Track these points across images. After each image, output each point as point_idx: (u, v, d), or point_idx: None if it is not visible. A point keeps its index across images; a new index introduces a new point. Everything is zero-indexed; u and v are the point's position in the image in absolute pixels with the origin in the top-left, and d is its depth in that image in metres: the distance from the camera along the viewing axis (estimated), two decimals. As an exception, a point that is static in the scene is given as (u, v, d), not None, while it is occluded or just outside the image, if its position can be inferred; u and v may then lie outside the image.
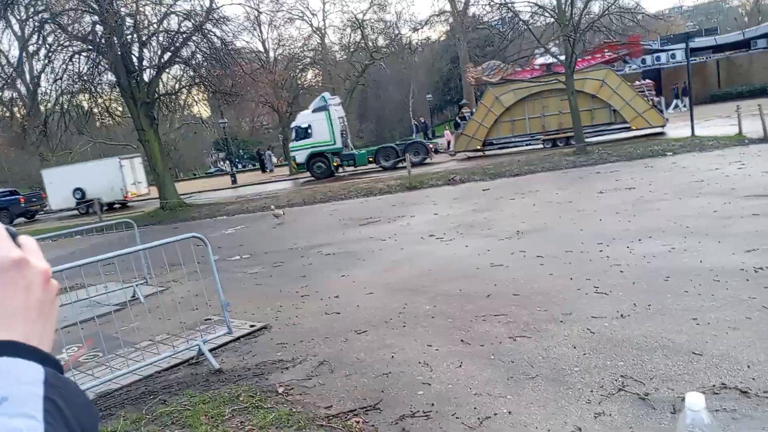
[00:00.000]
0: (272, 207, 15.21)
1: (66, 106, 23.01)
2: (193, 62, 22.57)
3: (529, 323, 5.19)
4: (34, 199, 31.05)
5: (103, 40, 20.41)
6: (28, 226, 27.27)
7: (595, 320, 5.00)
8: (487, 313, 5.61)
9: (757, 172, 11.19)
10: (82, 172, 28.94)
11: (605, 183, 12.90)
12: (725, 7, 61.58)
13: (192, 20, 21.53)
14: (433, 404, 3.97)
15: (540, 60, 24.75)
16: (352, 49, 47.68)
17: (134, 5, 20.58)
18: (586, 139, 21.96)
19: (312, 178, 28.44)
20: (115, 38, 20.13)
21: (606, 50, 23.18)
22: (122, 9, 20.30)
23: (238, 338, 6.04)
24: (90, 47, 20.85)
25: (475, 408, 3.83)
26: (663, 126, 22.09)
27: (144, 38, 21.39)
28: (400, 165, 25.29)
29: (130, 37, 20.98)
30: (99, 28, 20.30)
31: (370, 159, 27.82)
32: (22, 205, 30.57)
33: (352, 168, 28.91)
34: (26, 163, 48.16)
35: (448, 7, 45.56)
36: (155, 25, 21.37)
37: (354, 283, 7.69)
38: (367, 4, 45.12)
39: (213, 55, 22.06)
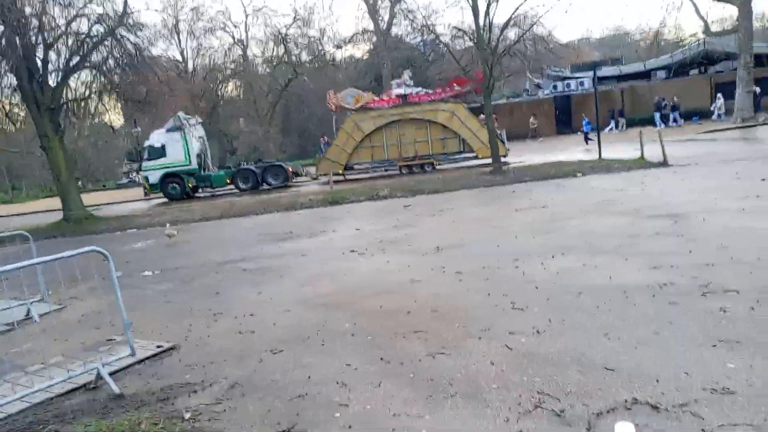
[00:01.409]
0: (167, 225, 14.41)
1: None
2: (105, 68, 21.38)
3: (448, 340, 5.16)
4: None
5: (3, 41, 18.94)
6: None
7: (512, 336, 5.05)
8: (407, 329, 5.55)
9: (657, 193, 11.95)
10: None
11: (521, 201, 13.34)
12: (628, 40, 66.43)
13: (104, 24, 20.45)
14: (350, 426, 3.82)
15: (396, 90, 26.89)
16: (275, 63, 47.20)
17: (40, 5, 19.27)
18: (438, 166, 25.31)
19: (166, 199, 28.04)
20: (17, 39, 18.74)
21: (455, 84, 25.78)
22: (26, 8, 18.95)
23: (143, 360, 5.62)
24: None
25: (393, 430, 3.71)
26: (505, 156, 23.97)
27: (50, 40, 20.05)
28: (263, 187, 26.68)
29: (34, 38, 19.60)
30: (-1, 27, 18.85)
31: (229, 180, 27.97)
32: None
33: (210, 189, 28.76)
34: None
35: (371, 27, 46.17)
36: (63, 27, 20.09)
37: (271, 299, 7.41)
38: (290, 19, 44.86)
39: (126, 62, 21.00)
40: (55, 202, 22.84)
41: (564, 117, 40.65)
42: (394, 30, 44.37)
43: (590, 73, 35.42)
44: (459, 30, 20.96)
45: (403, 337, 5.36)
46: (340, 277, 8.20)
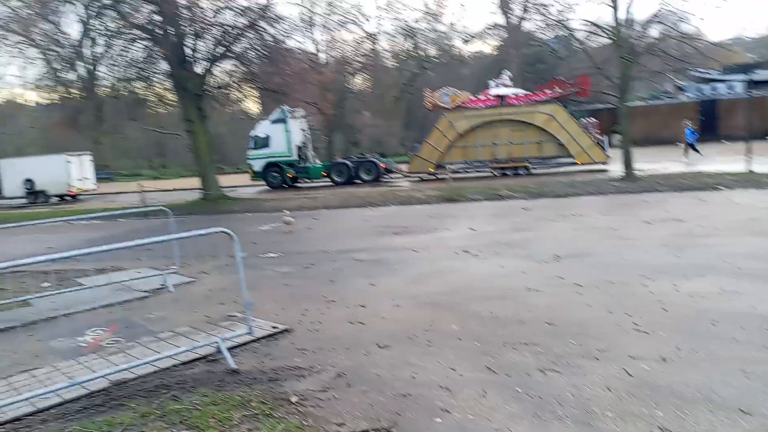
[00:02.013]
0: (285, 212, 14.79)
1: (122, 92, 23.57)
2: (245, 58, 22.81)
3: (561, 356, 4.89)
4: None
5: (159, 30, 20.84)
6: (65, 206, 28.15)
7: (634, 361, 4.66)
8: (518, 340, 5.33)
9: (819, 215, 10.54)
10: (33, 165, 30.64)
11: (653, 212, 12.37)
12: (791, 40, 59.21)
13: (247, 17, 21.77)
14: (451, 434, 3.73)
15: (494, 90, 26.01)
16: (402, 57, 47.69)
17: (192, -3, 20.94)
18: (533, 170, 24.35)
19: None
20: (171, 29, 20.53)
21: (555, 87, 24.83)
22: (181, 0, 20.68)
23: (259, 339, 5.91)
24: (147, 36, 21.32)
25: (496, 443, 3.58)
26: (605, 163, 23.41)
27: (199, 31, 21.73)
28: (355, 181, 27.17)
29: (185, 28, 21.35)
30: (157, 18, 20.73)
31: (324, 173, 28.53)
32: None
33: (308, 180, 29.54)
34: (79, 143, 49.83)
35: (501, 21, 45.17)
36: (211, 19, 21.67)
37: (382, 293, 7.49)
38: (420, 13, 44.98)
39: (265, 53, 22.24)
40: (196, 182, 24.85)
41: (709, 123, 37.14)
42: (526, 25, 43.05)
43: (742, 76, 32.08)
44: (595, 26, 19.79)
45: (513, 348, 5.16)
46: (451, 277, 8.09)
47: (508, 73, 28.52)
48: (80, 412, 4.47)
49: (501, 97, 25.33)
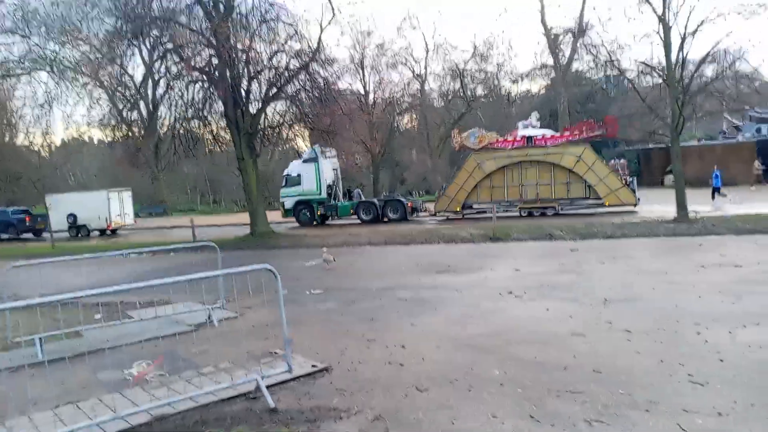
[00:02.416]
0: (324, 250, 14.78)
1: (179, 131, 24.62)
2: (297, 99, 23.53)
3: (608, 406, 4.67)
4: (39, 219, 33.90)
5: (216, 73, 21.81)
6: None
7: (687, 414, 4.41)
8: (563, 387, 5.14)
9: None
10: (76, 200, 32.25)
11: (708, 256, 11.87)
12: None
13: (299, 60, 22.55)
14: (489, 485, 3.60)
15: (522, 131, 26.27)
16: (449, 97, 48.15)
17: (248, 42, 21.89)
18: (562, 211, 24.32)
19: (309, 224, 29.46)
20: (227, 71, 21.45)
21: (584, 128, 25.09)
22: (237, 44, 21.64)
23: (298, 377, 5.91)
24: (205, 78, 22.33)
25: (536, 498, 3.42)
26: (635, 204, 23.30)
27: (253, 73, 22.61)
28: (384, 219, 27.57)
29: (241, 71, 22.27)
30: (214, 60, 21.72)
31: (352, 211, 28.86)
32: (27, 223, 33.76)
33: (338, 218, 29.90)
34: (138, 180, 52.02)
35: (550, 62, 45.12)
36: (265, 62, 22.54)
37: (422, 333, 7.40)
38: (469, 54, 45.47)
39: (316, 94, 22.90)
40: (245, 217, 25.44)
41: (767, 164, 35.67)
42: (575, 65, 42.88)
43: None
44: (647, 65, 19.51)
45: (557, 396, 4.98)
46: (494, 318, 7.93)
47: (536, 114, 28.86)
48: (121, 445, 4.54)
49: (529, 138, 25.58)
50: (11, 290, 9.47)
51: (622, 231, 16.68)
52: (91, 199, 32.01)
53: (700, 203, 20.90)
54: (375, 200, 29.26)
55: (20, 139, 43.31)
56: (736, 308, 7.57)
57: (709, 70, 19.28)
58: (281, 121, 25.67)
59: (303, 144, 37.75)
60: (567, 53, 44.26)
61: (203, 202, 62.43)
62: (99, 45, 24.32)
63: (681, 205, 18.49)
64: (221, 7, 22.32)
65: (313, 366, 6.25)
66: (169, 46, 22.21)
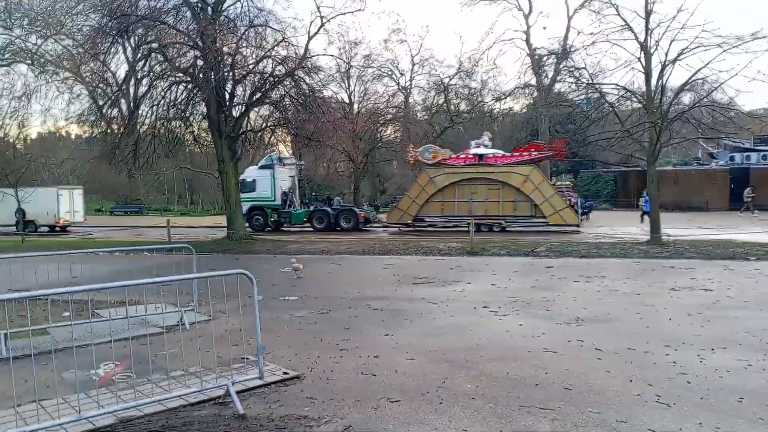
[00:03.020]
0: (293, 260, 14.49)
1: (160, 130, 24.34)
2: (281, 105, 23.47)
3: (578, 424, 4.71)
4: None
5: (201, 74, 21.66)
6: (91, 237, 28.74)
7: (653, 434, 4.47)
8: (534, 404, 5.17)
9: None
10: (25, 196, 31.20)
11: (679, 280, 12.08)
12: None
13: (285, 66, 22.51)
14: (457, 499, 3.59)
15: (474, 149, 27.51)
16: (433, 111, 48.46)
17: (235, 46, 21.80)
18: (508, 228, 25.39)
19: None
20: (212, 74, 21.32)
21: (532, 149, 26.45)
22: (224, 48, 21.54)
23: (269, 384, 5.85)
24: (188, 79, 22.16)
25: None
26: (578, 226, 24.66)
27: (238, 77, 22.51)
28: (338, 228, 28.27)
29: (226, 74, 22.15)
30: (199, 62, 21.58)
31: (306, 219, 29.46)
32: None
33: (290, 225, 30.46)
34: (114, 177, 51.19)
35: (533, 81, 45.74)
36: (251, 66, 22.46)
37: (396, 344, 7.38)
38: (454, 70, 45.89)
39: (300, 101, 22.87)
40: (222, 220, 25.20)
41: (739, 191, 36.62)
42: (557, 86, 43.53)
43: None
44: (627, 91, 19.91)
45: (528, 412, 5.00)
46: (468, 332, 7.95)
47: (488, 134, 30.27)
48: (84, 446, 4.43)
49: (480, 156, 26.65)
50: (-23, 284, 9.23)
51: (596, 251, 16.92)
52: (41, 195, 31.49)
53: (673, 227, 21.33)
54: (329, 209, 29.70)
55: (-5, 131, 42.46)
56: (705, 331, 7.70)
57: (686, 98, 19.75)
58: (264, 125, 25.59)
59: (285, 149, 37.70)
60: (550, 74, 44.97)
61: (180, 202, 61.71)
62: (82, 40, 24.04)
63: (655, 228, 18.83)
64: (209, 9, 22.25)
65: (285, 373, 6.19)
66: (155, 45, 22.03)
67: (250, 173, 30.40)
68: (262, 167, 30.13)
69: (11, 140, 41.51)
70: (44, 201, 31.35)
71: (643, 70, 18.59)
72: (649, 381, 5.72)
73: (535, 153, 26.12)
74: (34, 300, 9.34)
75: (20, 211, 31.39)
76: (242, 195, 30.02)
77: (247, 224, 29.72)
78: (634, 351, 6.82)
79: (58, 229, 32.39)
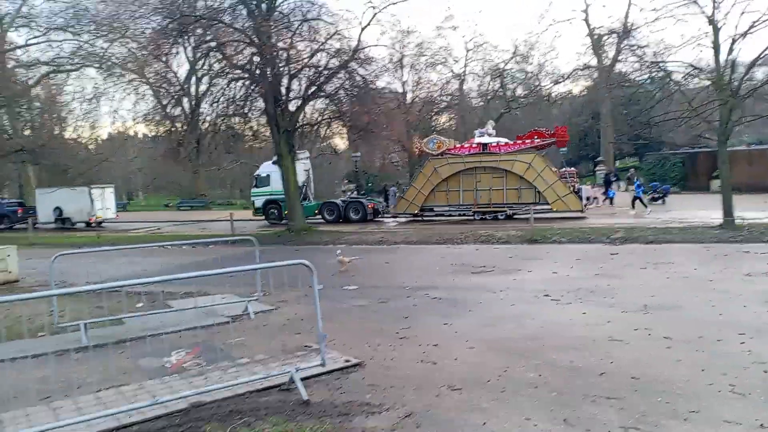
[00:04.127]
0: (338, 252, 14.11)
1: (220, 127, 25.11)
2: (336, 97, 23.72)
3: (646, 414, 4.57)
4: (30, 212, 35.53)
5: (258, 70, 22.14)
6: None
7: (728, 426, 4.29)
8: (599, 393, 5.05)
9: None
10: (62, 195, 33.55)
11: (755, 265, 11.45)
12: None
13: (339, 58, 22.69)
14: (521, 487, 3.57)
15: (478, 139, 27.61)
16: (489, 97, 47.70)
17: (289, 40, 22.15)
18: (515, 216, 25.20)
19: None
20: (268, 69, 21.76)
21: (535, 137, 26.53)
22: (279, 43, 21.91)
23: (331, 371, 5.97)
24: (246, 76, 22.70)
25: (568, 502, 3.38)
26: (581, 211, 24.64)
27: (293, 71, 22.86)
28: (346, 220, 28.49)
29: (282, 69, 22.55)
30: (256, 59, 22.06)
31: (317, 212, 29.79)
32: (19, 215, 35.65)
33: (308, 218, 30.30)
34: (179, 174, 53.20)
35: (593, 62, 44.25)
36: (305, 60, 22.76)
37: (456, 333, 7.37)
38: (509, 54, 44.94)
39: (354, 93, 23.02)
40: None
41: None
42: (619, 66, 41.89)
43: None
44: (694, 68, 18.92)
45: (593, 401, 4.89)
46: (529, 321, 7.84)
47: (492, 123, 30.47)
48: (160, 431, 4.67)
49: (484, 146, 26.63)
50: (58, 278, 9.84)
51: (665, 237, 16.25)
52: (76, 194, 33.56)
53: (747, 209, 20.21)
54: (338, 201, 29.96)
55: (68, 133, 44.85)
56: (783, 319, 7.29)
57: (759, 73, 18.61)
58: (320, 118, 25.92)
59: (341, 142, 38.10)
60: (611, 54, 43.36)
61: (242, 196, 63.47)
62: (146, 43, 25.01)
63: (727, 211, 17.90)
64: (264, 6, 22.64)
65: (347, 361, 6.30)
66: (213, 44, 22.67)
67: (265, 168, 31.12)
68: (275, 162, 30.71)
69: (84, 141, 43.75)
70: (78, 199, 33.54)
71: (711, 46, 17.63)
72: (723, 370, 5.48)
73: (538, 140, 26.27)
74: (110, 292, 9.87)
75: (57, 210, 33.89)
76: (258, 189, 31.23)
77: (263, 217, 30.95)
78: (706, 340, 6.54)
79: (93, 225, 34.27)
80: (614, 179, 34.35)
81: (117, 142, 57.06)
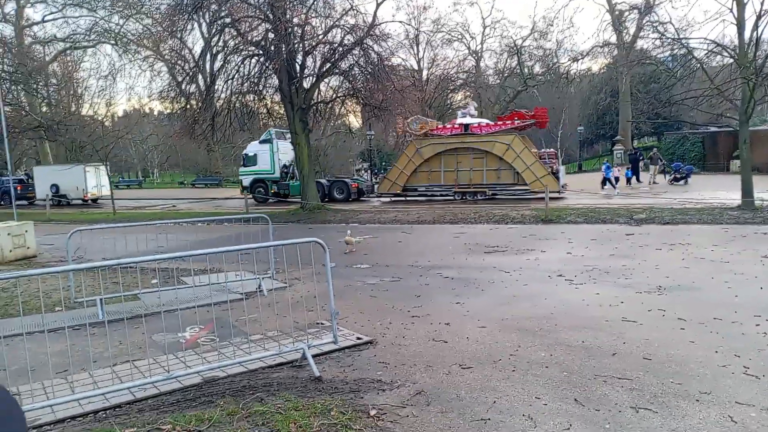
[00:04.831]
0: (348, 232, 13.87)
1: (235, 104, 25.09)
2: (351, 75, 23.54)
3: (657, 395, 4.55)
4: (30, 188, 36.85)
5: (272, 47, 22.01)
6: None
7: (741, 407, 4.25)
8: (610, 373, 5.04)
9: None
10: (58, 173, 34.67)
11: (774, 247, 11.29)
12: None
13: (354, 35, 22.47)
14: (529, 465, 3.58)
15: (460, 119, 28.03)
16: (506, 74, 47.11)
17: (304, 16, 21.96)
18: (494, 196, 25.83)
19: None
20: (283, 46, 21.62)
21: (515, 118, 27.03)
22: (294, 19, 21.74)
23: (343, 349, 6.01)
24: (261, 52, 22.59)
25: (577, 481, 3.39)
26: (559, 192, 24.78)
27: (308, 48, 22.70)
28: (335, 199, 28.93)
29: (296, 46, 22.39)
30: (271, 35, 21.92)
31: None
32: (19, 191, 35.90)
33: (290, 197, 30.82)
34: (194, 151, 53.43)
35: (613, 39, 43.39)
36: (320, 37, 22.58)
37: (468, 312, 7.37)
38: (527, 30, 44.28)
39: (369, 70, 22.83)
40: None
41: None
42: (639, 43, 41.02)
43: None
44: (717, 45, 18.47)
45: (604, 381, 4.88)
46: (542, 301, 7.81)
47: (474, 103, 30.79)
48: (174, 405, 4.75)
49: (465, 126, 27.02)
50: (74, 253, 9.97)
51: (682, 217, 16.06)
52: (71, 172, 34.34)
53: (767, 190, 19.87)
54: (323, 180, 30.22)
55: (85, 110, 45.14)
56: (801, 302, 7.19)
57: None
58: (334, 96, 25.78)
59: (355, 120, 37.89)
60: (632, 31, 42.47)
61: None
62: (161, 19, 24.94)
63: (747, 192, 17.61)
64: (279, -19, 22.41)
65: (358, 338, 6.34)
66: (227, 20, 22.54)
67: (252, 148, 31.63)
68: (263, 141, 31.21)
69: (100, 118, 44.07)
70: (73, 177, 34.41)
71: (735, 22, 17.17)
72: (737, 352, 5.43)
73: (518, 121, 26.61)
74: (126, 268, 10.01)
75: (54, 186, 34.69)
76: (246, 168, 31.68)
77: (251, 195, 31.28)
78: (721, 321, 6.48)
79: (89, 202, 35.12)
80: (640, 158, 33.99)
81: (133, 119, 57.40)
